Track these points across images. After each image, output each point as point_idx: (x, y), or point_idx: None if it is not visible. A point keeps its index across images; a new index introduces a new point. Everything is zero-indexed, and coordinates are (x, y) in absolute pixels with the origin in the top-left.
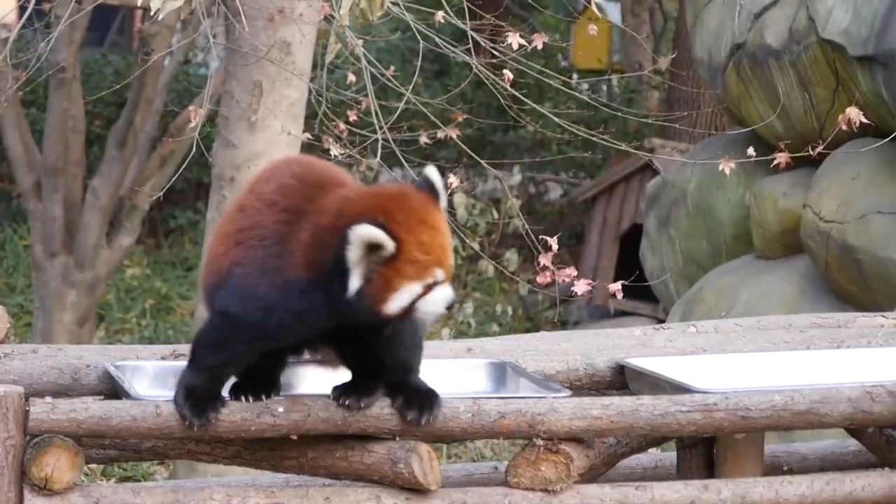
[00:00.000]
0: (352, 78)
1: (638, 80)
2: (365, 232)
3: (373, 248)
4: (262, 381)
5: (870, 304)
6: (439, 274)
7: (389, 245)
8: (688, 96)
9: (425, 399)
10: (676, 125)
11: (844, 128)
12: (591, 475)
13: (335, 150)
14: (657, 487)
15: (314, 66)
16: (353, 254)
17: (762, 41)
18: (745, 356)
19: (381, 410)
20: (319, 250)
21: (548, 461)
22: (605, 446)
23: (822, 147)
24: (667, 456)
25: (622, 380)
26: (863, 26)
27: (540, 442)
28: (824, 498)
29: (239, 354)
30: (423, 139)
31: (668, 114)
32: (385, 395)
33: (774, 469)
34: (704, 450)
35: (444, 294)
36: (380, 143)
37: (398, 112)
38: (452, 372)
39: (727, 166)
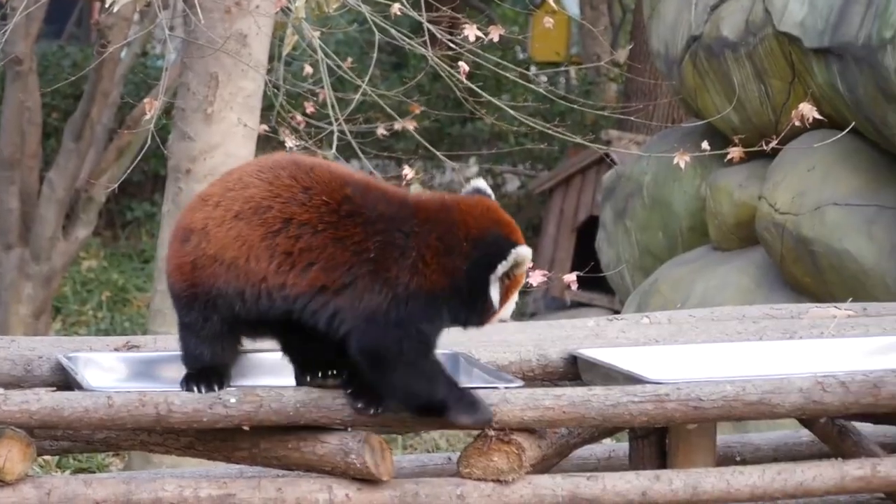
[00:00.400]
0: (308, 70)
1: (596, 73)
2: (522, 254)
3: (516, 266)
4: (214, 372)
5: (825, 295)
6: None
7: (529, 264)
8: (645, 88)
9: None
10: (632, 118)
11: (797, 123)
12: (544, 465)
13: (291, 142)
14: (609, 478)
15: (271, 58)
16: (502, 269)
17: (718, 33)
18: (697, 347)
19: (332, 401)
20: (452, 260)
21: (500, 452)
22: (558, 437)
23: (776, 141)
24: (620, 446)
25: (575, 370)
26: (819, 19)
27: (492, 432)
28: (775, 488)
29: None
30: (380, 131)
31: (624, 106)
32: (341, 383)
33: (727, 459)
34: (657, 440)
35: (514, 300)
36: (335, 134)
37: (354, 104)
38: None
39: (682, 160)
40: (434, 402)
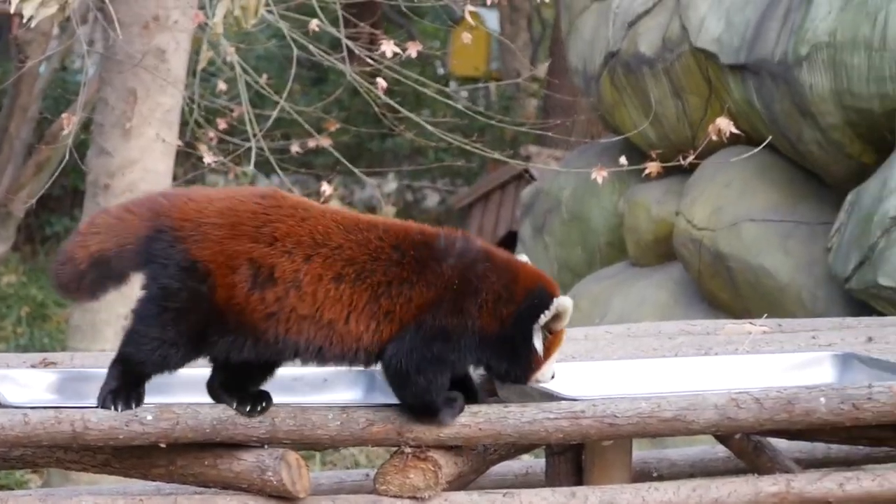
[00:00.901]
0: (222, 86)
1: (516, 88)
2: (565, 304)
3: (557, 317)
4: (130, 389)
5: (741, 310)
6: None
7: (565, 322)
8: (564, 104)
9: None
10: (551, 133)
11: (714, 138)
12: (461, 482)
13: (208, 158)
14: (525, 494)
15: (188, 74)
16: (544, 319)
17: (636, 49)
18: (613, 363)
19: (248, 420)
20: (507, 308)
21: (416, 468)
22: (474, 453)
23: (693, 156)
24: (538, 462)
25: (491, 387)
26: (735, 35)
27: (408, 449)
28: None
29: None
30: (294, 148)
31: (543, 122)
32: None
33: (644, 475)
34: (573, 456)
35: (552, 368)
36: (254, 150)
37: (271, 120)
38: (323, 379)
39: (599, 175)
40: (431, 407)
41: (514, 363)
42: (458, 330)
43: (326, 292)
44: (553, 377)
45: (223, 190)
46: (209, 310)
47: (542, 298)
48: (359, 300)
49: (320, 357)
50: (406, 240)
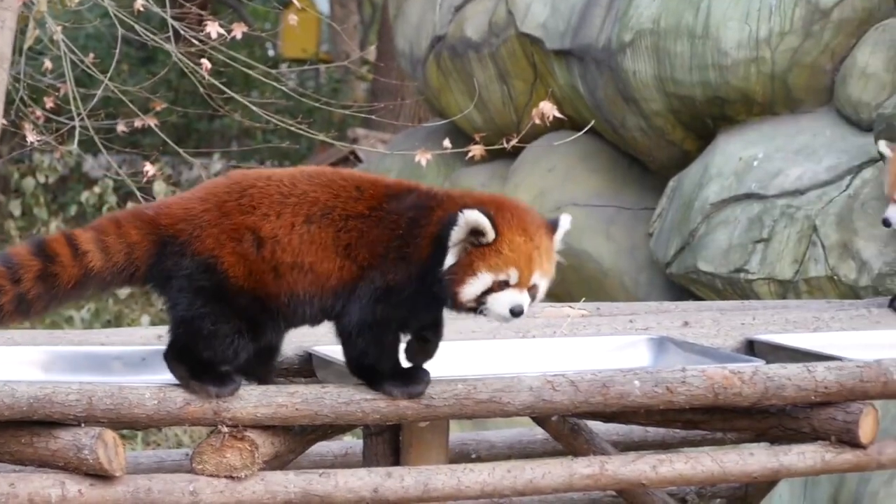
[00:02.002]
0: (48, 65)
1: (345, 71)
2: (473, 217)
3: (475, 232)
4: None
5: (564, 294)
6: (513, 275)
7: (490, 234)
8: (392, 87)
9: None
10: (374, 117)
11: (538, 122)
12: (280, 462)
13: (32, 137)
14: (341, 475)
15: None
16: (457, 234)
17: (462, 34)
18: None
19: (66, 397)
20: (433, 241)
21: (233, 448)
22: (291, 433)
23: (516, 140)
24: (357, 443)
25: (310, 368)
26: (560, 21)
27: (225, 429)
28: (505, 485)
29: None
30: (121, 128)
31: (370, 104)
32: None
33: (463, 456)
34: (390, 437)
35: (511, 297)
36: (77, 129)
37: (96, 99)
38: (142, 358)
39: (423, 158)
40: (373, 368)
41: (442, 289)
42: (401, 283)
43: (301, 237)
44: (512, 302)
45: (186, 192)
46: (239, 292)
47: (452, 217)
48: (325, 236)
49: (320, 308)
50: (366, 181)
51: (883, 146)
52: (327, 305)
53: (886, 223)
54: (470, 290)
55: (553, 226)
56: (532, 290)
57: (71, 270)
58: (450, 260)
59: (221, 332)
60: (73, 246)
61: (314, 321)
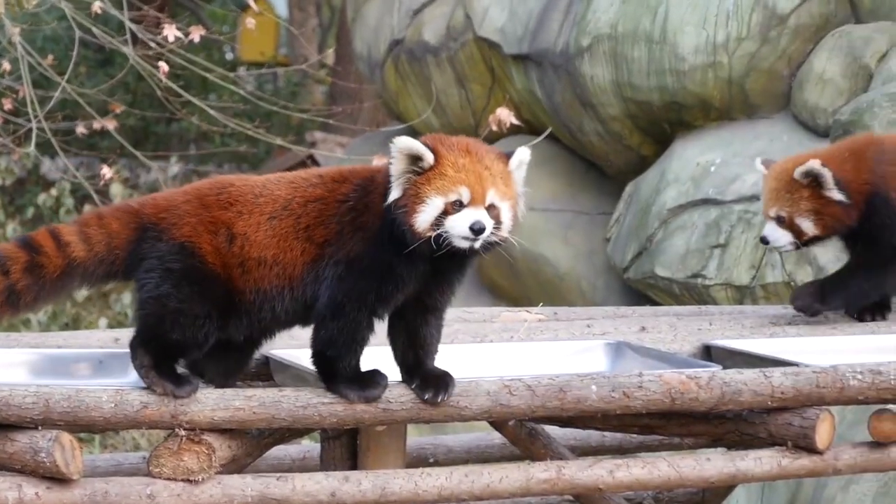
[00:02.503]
0: (6, 66)
1: (303, 74)
2: (404, 142)
3: (413, 160)
4: (172, 371)
5: (522, 298)
6: (464, 193)
7: (427, 156)
8: (350, 91)
9: (440, 380)
10: (332, 121)
11: (495, 128)
12: (237, 465)
13: None
14: (298, 478)
15: None
16: (396, 166)
17: (420, 38)
18: (387, 350)
19: (23, 399)
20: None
21: (190, 451)
22: (248, 437)
23: None
24: (315, 447)
25: (268, 371)
26: (518, 25)
27: (182, 432)
28: (462, 489)
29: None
30: (80, 129)
31: (328, 108)
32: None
33: (420, 461)
34: (348, 441)
35: (468, 216)
36: (34, 131)
37: (53, 101)
38: (99, 360)
39: (381, 162)
40: (334, 363)
41: (397, 227)
42: (360, 253)
43: (265, 232)
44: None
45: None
46: (212, 277)
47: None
48: (286, 226)
49: (292, 300)
50: (330, 170)
51: (758, 164)
52: (299, 296)
53: (764, 241)
54: (423, 217)
55: (507, 154)
56: (492, 211)
57: (56, 261)
58: (395, 193)
59: (191, 311)
60: (57, 238)
61: (288, 319)
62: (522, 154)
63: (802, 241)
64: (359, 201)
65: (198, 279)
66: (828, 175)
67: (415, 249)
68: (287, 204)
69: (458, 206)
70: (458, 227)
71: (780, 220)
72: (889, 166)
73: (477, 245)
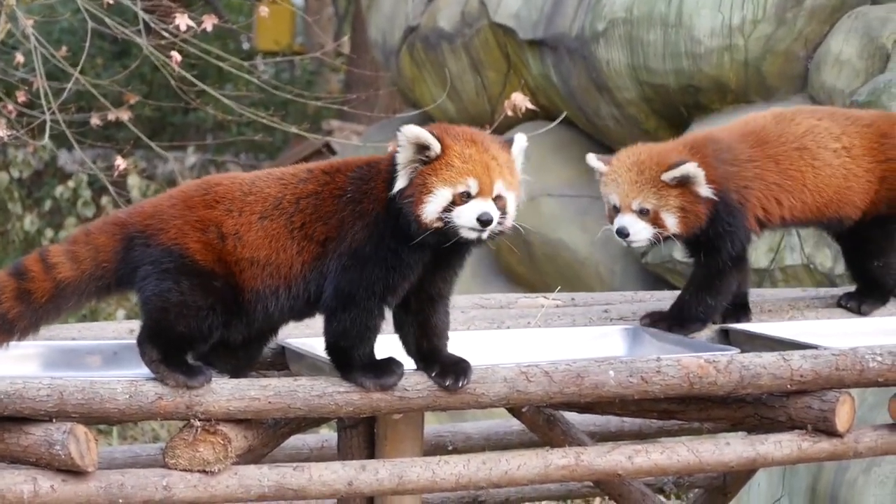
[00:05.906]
0: (20, 59)
1: (319, 63)
2: (412, 130)
3: (420, 149)
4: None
5: (540, 284)
6: (472, 185)
7: (435, 146)
8: (366, 79)
9: (459, 367)
10: (346, 108)
11: (510, 113)
12: (254, 456)
13: (2, 132)
14: (315, 468)
15: None
16: (402, 155)
17: (435, 24)
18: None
19: (37, 392)
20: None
21: (206, 442)
22: (264, 427)
23: (490, 130)
24: (333, 436)
25: (283, 361)
26: (533, 10)
27: (198, 423)
28: (480, 477)
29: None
30: (94, 121)
31: (344, 96)
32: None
33: (439, 448)
34: (365, 430)
35: (476, 207)
36: (48, 124)
37: (66, 93)
38: (114, 352)
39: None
40: (349, 353)
41: (404, 217)
42: (364, 241)
43: (256, 233)
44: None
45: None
46: (207, 273)
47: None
48: (278, 226)
49: (288, 298)
50: (319, 164)
51: (593, 160)
52: (299, 294)
53: (622, 233)
54: (430, 208)
55: (509, 143)
56: (499, 202)
57: (43, 284)
58: (402, 182)
59: (193, 303)
60: (45, 261)
61: (283, 317)
62: (521, 141)
63: (663, 237)
64: (357, 191)
65: (195, 273)
66: (701, 175)
67: (420, 239)
68: (278, 202)
69: (465, 197)
70: (465, 219)
71: (642, 213)
72: (729, 166)
73: (484, 236)
